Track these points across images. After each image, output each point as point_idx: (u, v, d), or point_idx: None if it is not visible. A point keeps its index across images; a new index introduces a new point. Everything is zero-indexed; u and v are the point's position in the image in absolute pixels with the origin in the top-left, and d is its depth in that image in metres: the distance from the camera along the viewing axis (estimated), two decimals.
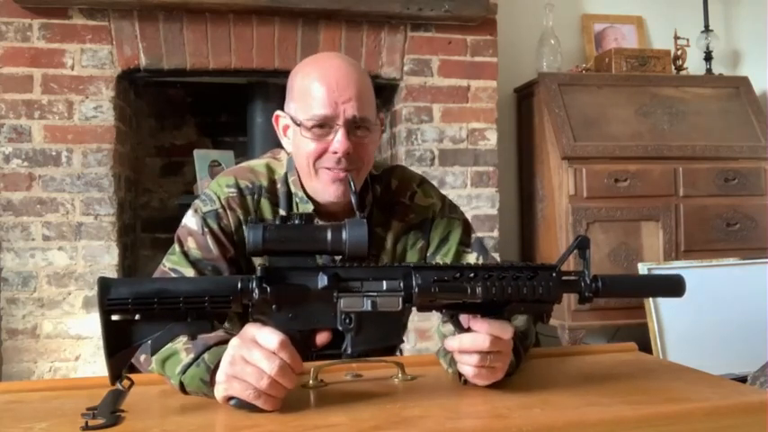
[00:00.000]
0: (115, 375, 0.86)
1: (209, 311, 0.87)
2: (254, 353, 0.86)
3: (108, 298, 0.84)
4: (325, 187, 1.17)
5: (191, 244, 1.18)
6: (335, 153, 1.14)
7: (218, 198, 1.21)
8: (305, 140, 1.15)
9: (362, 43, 2.72)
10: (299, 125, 1.15)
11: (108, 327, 0.85)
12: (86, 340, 2.48)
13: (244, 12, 2.58)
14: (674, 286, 0.99)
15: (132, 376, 1.05)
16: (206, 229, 1.18)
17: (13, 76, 2.47)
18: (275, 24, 2.63)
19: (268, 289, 0.87)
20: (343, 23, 2.68)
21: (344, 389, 0.99)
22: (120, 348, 0.86)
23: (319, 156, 1.15)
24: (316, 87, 1.14)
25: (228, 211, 1.20)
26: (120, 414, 0.86)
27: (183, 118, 3.09)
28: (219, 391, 0.89)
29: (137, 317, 0.86)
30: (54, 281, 2.48)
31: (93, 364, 2.48)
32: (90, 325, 2.48)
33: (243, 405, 0.87)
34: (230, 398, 0.88)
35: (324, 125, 1.14)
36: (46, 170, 2.48)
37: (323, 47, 2.66)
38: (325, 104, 1.13)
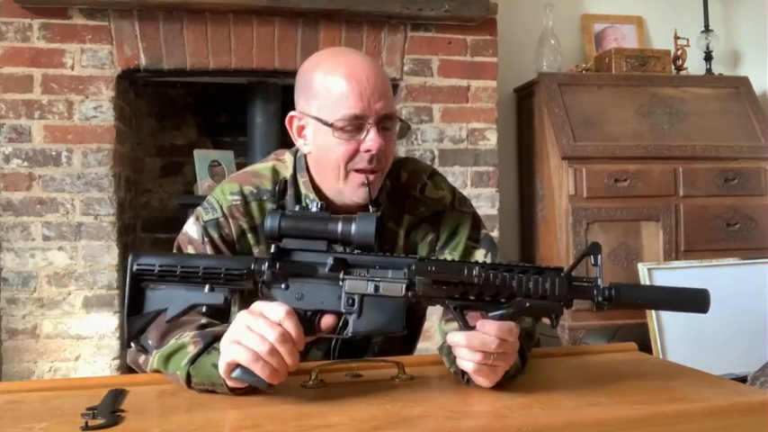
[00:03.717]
0: (131, 336, 0.93)
1: (223, 283, 0.93)
2: (259, 321, 0.89)
3: (138, 263, 0.94)
4: (353, 190, 1.15)
5: (190, 252, 1.18)
6: (368, 151, 1.11)
7: (221, 207, 1.19)
8: (335, 142, 1.12)
9: (362, 43, 2.72)
10: (330, 126, 1.11)
11: (132, 290, 0.93)
12: (86, 340, 2.48)
13: (244, 12, 2.58)
14: (698, 301, 0.94)
15: (132, 376, 1.05)
16: (206, 239, 1.17)
17: (13, 76, 2.47)
18: (275, 24, 2.63)
19: (277, 264, 0.93)
20: (343, 23, 2.68)
21: (344, 389, 0.99)
22: (140, 311, 0.94)
23: (351, 157, 1.12)
24: (343, 85, 1.11)
25: (230, 220, 1.19)
26: (120, 414, 0.86)
27: (183, 118, 3.10)
28: (223, 359, 0.91)
29: (160, 286, 0.94)
30: (54, 281, 2.48)
31: (93, 364, 2.48)
32: (90, 325, 2.48)
33: (244, 375, 0.89)
34: (232, 370, 0.90)
35: (355, 124, 1.11)
36: (46, 170, 2.48)
37: (323, 47, 2.66)
38: (357, 103, 1.10)
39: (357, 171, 1.14)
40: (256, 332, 0.88)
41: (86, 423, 0.81)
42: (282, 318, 0.89)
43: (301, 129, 1.19)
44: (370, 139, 1.11)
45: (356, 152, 1.12)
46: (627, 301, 0.94)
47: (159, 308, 0.93)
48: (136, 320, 0.93)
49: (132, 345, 0.95)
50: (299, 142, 1.21)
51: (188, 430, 0.81)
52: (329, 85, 1.12)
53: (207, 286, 0.93)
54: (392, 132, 1.16)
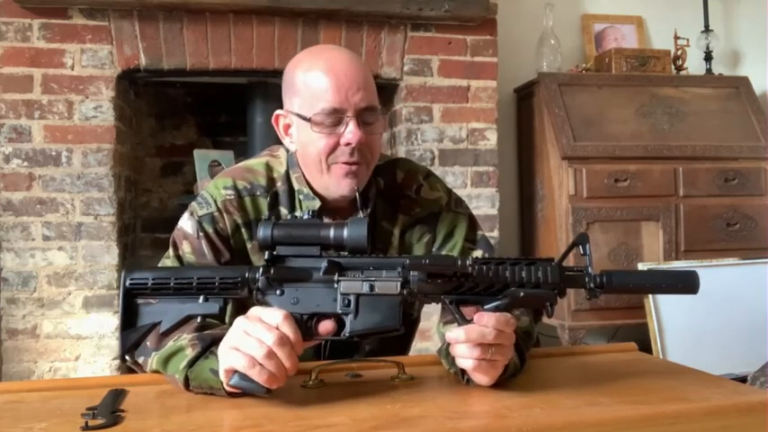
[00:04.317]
0: (125, 350, 0.95)
1: (218, 293, 0.93)
2: (257, 326, 0.88)
3: (131, 278, 0.94)
4: (338, 182, 1.15)
5: (185, 248, 1.17)
6: (348, 144, 1.12)
7: (215, 201, 1.19)
8: (315, 136, 1.13)
9: (362, 43, 2.72)
10: (308, 120, 1.12)
11: (126, 304, 0.94)
12: (86, 340, 2.48)
13: (244, 12, 2.58)
14: (687, 282, 0.94)
15: (132, 376, 1.05)
16: (201, 233, 1.17)
17: (13, 76, 2.47)
18: (275, 24, 2.63)
19: (272, 270, 0.93)
20: (343, 23, 2.68)
21: (344, 389, 0.99)
22: (134, 325, 0.94)
23: (332, 150, 1.13)
24: (322, 80, 1.11)
25: (225, 215, 1.19)
26: (120, 414, 0.86)
27: (183, 118, 3.10)
28: (221, 366, 0.90)
29: (153, 301, 0.94)
30: (54, 281, 2.48)
31: (92, 364, 2.48)
32: (90, 325, 2.48)
33: (241, 381, 0.88)
34: (231, 376, 0.89)
35: (334, 118, 1.12)
36: (46, 170, 2.48)
37: None
38: (335, 96, 1.11)
39: (339, 164, 1.14)
40: (254, 336, 0.87)
41: (86, 423, 0.81)
42: (280, 321, 0.88)
43: (287, 127, 1.21)
44: (349, 132, 1.11)
45: (336, 146, 1.13)
46: (618, 287, 0.95)
47: (154, 321, 0.94)
48: (130, 334, 0.94)
49: (127, 358, 0.97)
50: (285, 140, 1.23)
51: (188, 430, 0.81)
52: (308, 80, 1.14)
53: (201, 297, 0.93)
54: (375, 125, 1.16)
